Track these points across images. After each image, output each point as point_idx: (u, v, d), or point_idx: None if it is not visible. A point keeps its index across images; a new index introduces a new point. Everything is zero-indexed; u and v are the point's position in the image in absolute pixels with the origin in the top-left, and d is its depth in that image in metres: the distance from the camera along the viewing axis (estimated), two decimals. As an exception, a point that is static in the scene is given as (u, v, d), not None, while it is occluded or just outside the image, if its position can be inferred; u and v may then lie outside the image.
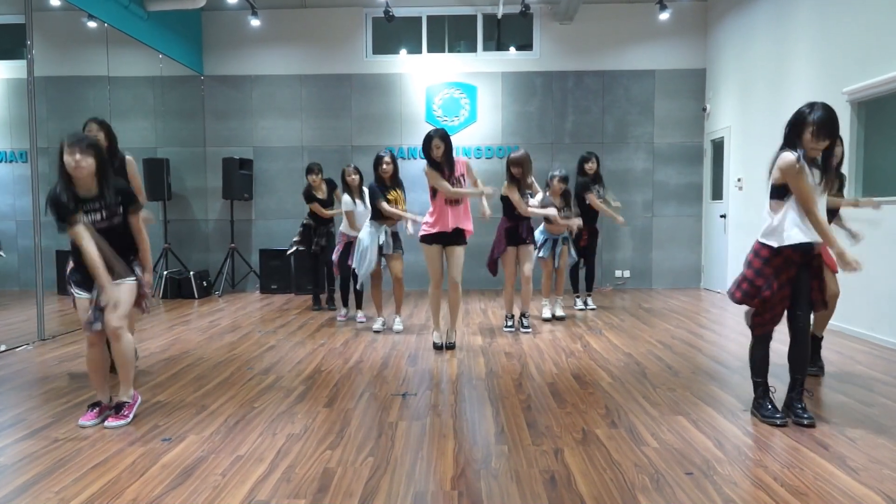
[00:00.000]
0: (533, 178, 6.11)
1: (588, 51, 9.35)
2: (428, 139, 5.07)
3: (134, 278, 3.52)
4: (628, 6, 9.28)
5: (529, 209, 5.90)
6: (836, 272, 4.15)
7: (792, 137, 3.28)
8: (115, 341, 3.45)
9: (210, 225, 9.67)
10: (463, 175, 5.17)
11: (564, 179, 6.59)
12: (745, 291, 3.44)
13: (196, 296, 8.63)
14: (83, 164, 3.26)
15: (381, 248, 5.98)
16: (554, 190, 6.56)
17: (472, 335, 5.96)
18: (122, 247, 3.48)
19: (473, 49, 9.57)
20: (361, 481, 2.74)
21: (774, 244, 3.33)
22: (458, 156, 5.26)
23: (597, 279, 8.82)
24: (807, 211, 3.21)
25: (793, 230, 3.26)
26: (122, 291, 3.43)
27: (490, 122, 9.46)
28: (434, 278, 5.30)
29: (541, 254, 6.57)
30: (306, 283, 8.79)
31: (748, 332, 3.64)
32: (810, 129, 3.19)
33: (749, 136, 7.98)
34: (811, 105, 3.25)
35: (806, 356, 3.48)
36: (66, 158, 3.25)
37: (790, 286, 3.36)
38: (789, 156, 3.22)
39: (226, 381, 4.41)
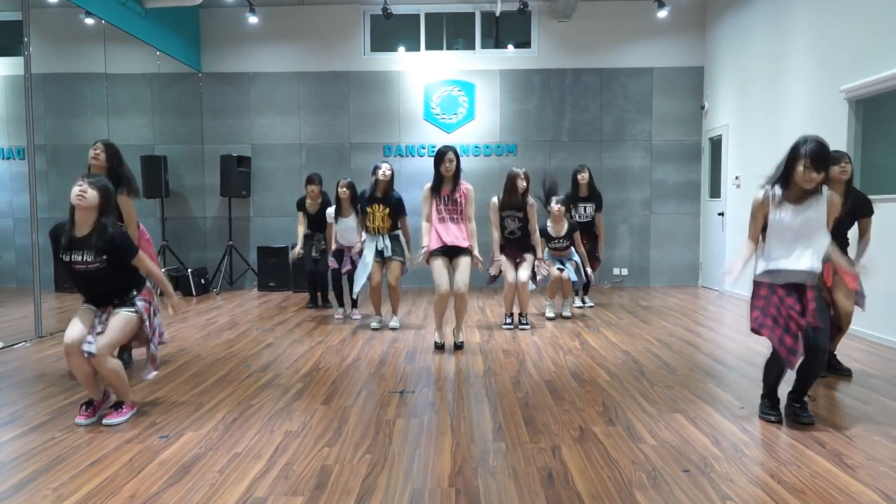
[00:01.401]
0: (531, 198, 5.99)
1: (586, 48, 9.35)
2: (442, 154, 5.08)
3: (134, 310, 3.49)
4: (626, 4, 9.27)
5: (494, 239, 5.97)
6: (855, 289, 4.20)
7: (787, 170, 3.30)
8: (99, 367, 3.38)
9: (208, 222, 9.66)
10: (462, 196, 5.16)
11: (563, 202, 6.54)
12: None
13: (194, 293, 8.62)
14: (87, 195, 3.29)
15: (380, 252, 6.03)
16: (555, 216, 6.50)
17: (470, 333, 5.96)
18: (111, 290, 3.46)
19: (472, 46, 9.56)
20: (359, 478, 2.75)
21: (756, 277, 3.46)
22: (464, 181, 5.25)
23: (595, 277, 8.83)
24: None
25: (759, 263, 3.43)
26: (116, 321, 3.42)
27: (488, 119, 9.45)
28: (440, 290, 5.16)
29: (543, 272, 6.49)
30: (304, 281, 8.78)
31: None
32: (802, 161, 3.21)
33: (747, 134, 7.98)
34: (805, 138, 3.28)
35: (814, 374, 3.42)
36: (74, 187, 3.30)
37: (787, 309, 3.30)
38: (757, 194, 3.35)
39: (223, 378, 4.41)
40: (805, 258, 3.33)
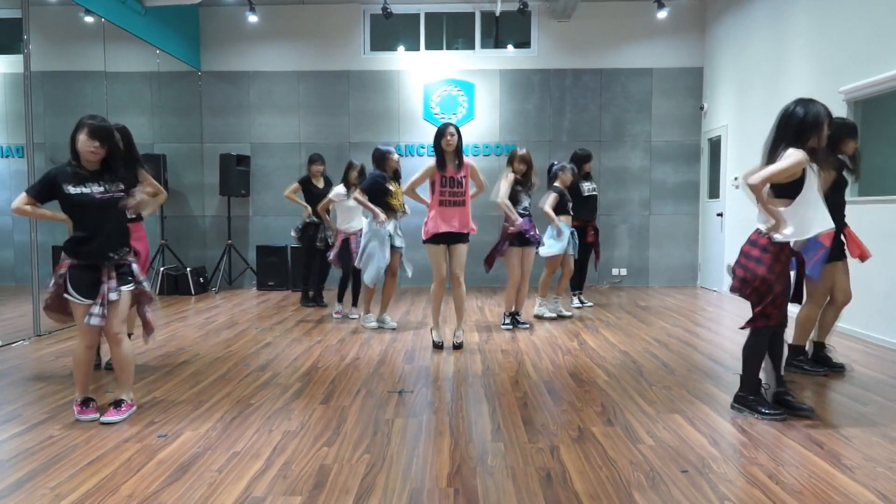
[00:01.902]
0: (535, 179, 6.11)
1: (586, 49, 9.35)
2: (442, 129, 5.06)
3: (132, 285, 3.53)
4: (626, 4, 9.28)
5: (506, 209, 5.88)
6: (865, 259, 4.27)
7: (807, 136, 3.26)
8: (116, 346, 3.50)
9: (207, 221, 9.65)
10: (465, 177, 5.16)
11: (571, 170, 6.75)
12: (758, 291, 3.41)
13: (193, 292, 8.62)
14: (98, 153, 3.36)
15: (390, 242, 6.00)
16: (564, 181, 6.63)
17: (469, 332, 5.96)
18: (117, 231, 3.47)
19: (471, 46, 9.56)
20: (357, 478, 2.75)
21: (783, 238, 3.33)
22: (466, 156, 5.27)
23: (594, 277, 8.87)
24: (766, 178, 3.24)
25: (804, 225, 3.30)
26: (122, 300, 3.48)
27: (488, 119, 9.45)
28: (438, 278, 5.22)
29: (555, 251, 6.46)
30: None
31: (744, 330, 3.65)
32: (826, 121, 3.28)
33: (746, 135, 7.99)
34: (805, 107, 3.28)
35: (783, 347, 3.60)
36: (85, 140, 3.32)
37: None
38: (801, 153, 3.21)
39: (222, 377, 4.40)
40: (828, 217, 3.35)
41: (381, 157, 5.99)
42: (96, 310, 3.37)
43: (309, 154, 9.36)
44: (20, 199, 3.40)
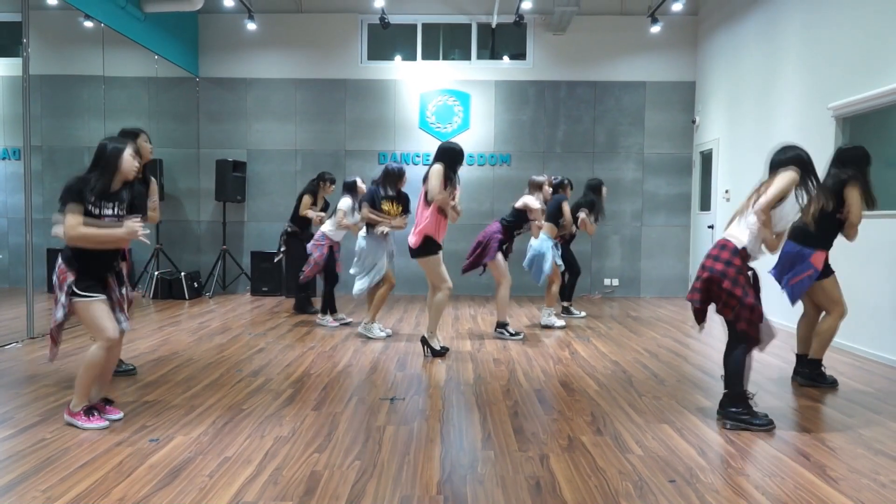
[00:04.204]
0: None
1: (580, 61, 9.44)
2: (462, 155, 5.33)
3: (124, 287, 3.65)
4: (621, 18, 9.38)
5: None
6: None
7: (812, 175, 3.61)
8: (118, 347, 3.57)
9: (202, 226, 9.66)
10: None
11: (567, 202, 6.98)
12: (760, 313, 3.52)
13: (186, 297, 8.62)
14: (136, 165, 3.51)
15: (391, 253, 6.13)
16: (566, 215, 6.89)
17: (461, 341, 5.99)
18: (118, 249, 3.58)
19: (467, 57, 9.64)
20: (348, 485, 2.77)
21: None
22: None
23: (586, 287, 8.92)
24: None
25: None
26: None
27: (483, 129, 9.52)
28: (448, 283, 5.23)
29: (550, 264, 6.62)
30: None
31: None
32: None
33: (737, 148, 8.08)
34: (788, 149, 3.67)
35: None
36: (131, 157, 3.45)
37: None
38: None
39: (215, 382, 4.42)
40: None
41: (399, 175, 5.97)
42: (121, 316, 3.50)
43: (303, 162, 9.41)
44: (75, 220, 3.29)
